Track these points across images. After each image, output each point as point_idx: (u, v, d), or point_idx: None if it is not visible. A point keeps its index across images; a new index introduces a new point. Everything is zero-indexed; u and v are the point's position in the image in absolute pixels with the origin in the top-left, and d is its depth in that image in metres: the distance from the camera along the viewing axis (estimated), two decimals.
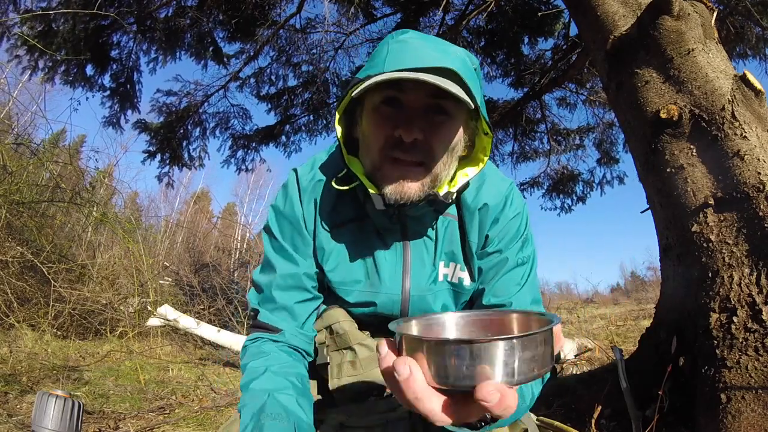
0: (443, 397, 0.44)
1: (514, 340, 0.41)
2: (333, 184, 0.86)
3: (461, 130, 0.81)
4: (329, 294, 0.96)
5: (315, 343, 0.94)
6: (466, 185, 0.86)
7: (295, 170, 0.96)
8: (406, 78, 0.69)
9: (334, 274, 0.92)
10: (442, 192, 0.82)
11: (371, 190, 0.80)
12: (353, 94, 0.73)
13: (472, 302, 0.97)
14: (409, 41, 0.78)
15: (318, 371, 0.94)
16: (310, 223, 0.92)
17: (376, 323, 0.95)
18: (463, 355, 0.41)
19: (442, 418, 0.44)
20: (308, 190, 0.92)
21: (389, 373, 0.44)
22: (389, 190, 0.78)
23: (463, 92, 0.71)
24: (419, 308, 0.92)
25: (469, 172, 0.85)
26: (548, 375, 0.86)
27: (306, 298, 0.93)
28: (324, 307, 0.97)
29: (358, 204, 0.90)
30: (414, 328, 0.59)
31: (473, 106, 0.72)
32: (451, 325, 0.62)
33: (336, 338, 0.91)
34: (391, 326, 0.52)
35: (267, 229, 0.97)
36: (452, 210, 0.93)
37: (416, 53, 0.75)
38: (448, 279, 0.93)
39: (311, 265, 0.93)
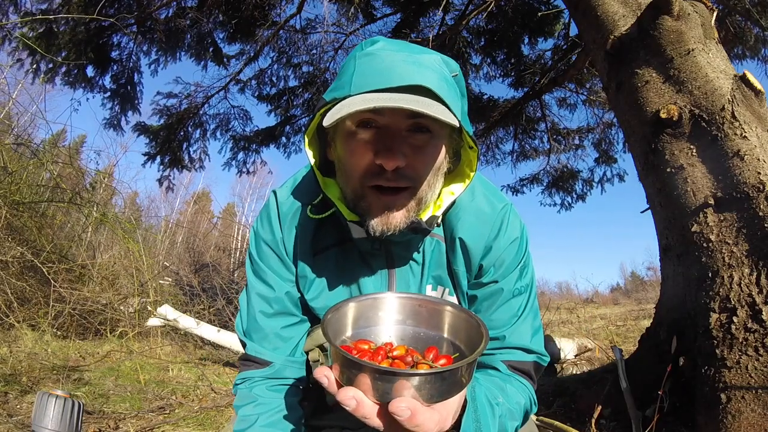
0: (385, 414, 0.52)
1: (431, 376, 0.51)
2: (308, 213, 0.83)
3: (444, 147, 0.76)
4: (314, 318, 0.94)
5: (309, 360, 0.93)
6: (452, 204, 0.82)
7: (275, 193, 0.91)
8: (379, 107, 0.64)
9: (317, 301, 0.89)
10: (425, 216, 0.78)
11: (350, 218, 0.76)
12: (325, 124, 0.66)
13: None
14: (378, 54, 0.70)
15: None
16: (290, 250, 0.89)
17: None
18: (388, 381, 0.51)
19: (388, 429, 0.54)
20: (288, 217, 0.88)
21: (339, 400, 0.53)
22: (375, 222, 0.73)
23: (444, 108, 0.65)
24: None
25: (455, 190, 0.81)
26: (532, 409, 0.86)
27: (292, 322, 0.91)
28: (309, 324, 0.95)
29: (340, 228, 0.84)
30: (350, 313, 0.67)
31: (457, 125, 0.66)
32: (390, 309, 0.69)
33: (329, 356, 0.90)
34: (329, 317, 0.62)
35: (249, 254, 0.94)
36: (439, 230, 0.88)
37: (386, 70, 0.67)
38: None
39: (294, 289, 0.91)
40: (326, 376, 0.55)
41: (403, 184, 0.72)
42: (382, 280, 0.88)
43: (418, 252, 0.88)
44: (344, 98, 0.68)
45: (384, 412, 0.52)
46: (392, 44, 0.74)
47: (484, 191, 0.89)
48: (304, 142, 0.77)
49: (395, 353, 0.61)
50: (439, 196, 0.80)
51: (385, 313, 0.69)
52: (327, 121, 0.66)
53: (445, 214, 0.84)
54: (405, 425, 0.51)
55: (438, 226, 0.85)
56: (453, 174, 0.82)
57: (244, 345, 0.91)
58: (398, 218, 0.73)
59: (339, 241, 0.88)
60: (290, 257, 0.90)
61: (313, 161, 0.78)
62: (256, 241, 0.92)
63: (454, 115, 0.67)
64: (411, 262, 0.88)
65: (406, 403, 0.50)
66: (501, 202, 0.89)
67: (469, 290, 0.89)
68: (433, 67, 0.70)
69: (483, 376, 0.81)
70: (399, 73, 0.67)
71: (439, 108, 0.65)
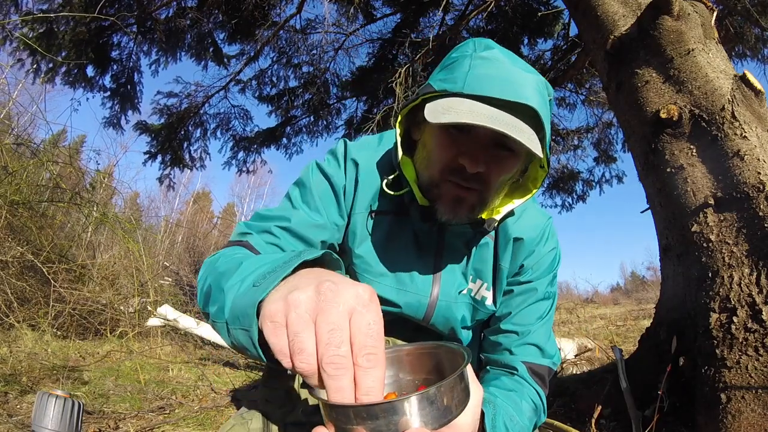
0: None
1: (424, 395, 0.48)
2: (384, 187, 0.85)
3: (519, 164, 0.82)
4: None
5: None
6: (510, 214, 0.86)
7: (345, 142, 0.92)
8: (490, 127, 0.66)
9: (361, 260, 0.90)
10: (486, 217, 0.83)
11: (422, 203, 0.81)
12: (430, 119, 0.68)
13: (487, 323, 0.98)
14: (494, 61, 0.75)
15: None
16: (348, 199, 0.89)
17: (390, 320, 0.94)
18: (381, 414, 0.47)
19: None
20: (352, 167, 0.89)
21: None
22: (443, 209, 0.79)
23: (536, 136, 0.70)
24: (443, 316, 0.92)
25: (515, 201, 0.85)
26: (541, 419, 0.88)
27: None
28: None
29: (399, 200, 0.88)
30: None
31: (542, 156, 0.71)
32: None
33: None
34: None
35: (300, 181, 0.89)
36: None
37: (500, 80, 0.72)
38: (472, 294, 0.93)
39: (335, 235, 0.88)
40: None
41: (476, 186, 0.78)
42: (430, 256, 0.91)
43: (469, 244, 0.92)
44: (455, 94, 0.73)
45: None
46: (506, 54, 0.79)
47: (534, 204, 0.98)
48: (397, 119, 0.81)
49: None
50: (499, 203, 0.86)
51: None
52: (433, 118, 0.68)
53: (501, 221, 0.89)
54: None
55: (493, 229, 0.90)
56: (516, 185, 0.88)
57: (242, 236, 0.80)
58: (465, 212, 0.80)
59: (395, 211, 0.90)
60: (347, 206, 0.89)
61: (399, 139, 0.82)
62: (318, 171, 0.89)
63: (543, 139, 0.73)
64: (459, 252, 0.92)
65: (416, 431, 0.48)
66: (546, 215, 0.98)
67: (506, 286, 0.94)
68: (539, 89, 0.75)
69: (503, 394, 0.82)
70: (513, 88, 0.71)
71: (533, 135, 0.70)
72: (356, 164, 0.89)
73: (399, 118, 0.81)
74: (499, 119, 0.67)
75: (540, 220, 0.94)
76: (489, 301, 0.93)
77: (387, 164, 0.90)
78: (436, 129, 0.78)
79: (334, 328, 0.40)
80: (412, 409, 0.48)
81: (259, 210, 0.87)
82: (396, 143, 0.82)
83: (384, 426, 0.48)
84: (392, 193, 0.84)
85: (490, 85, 0.71)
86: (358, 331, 0.41)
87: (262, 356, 0.51)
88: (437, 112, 0.69)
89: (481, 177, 0.76)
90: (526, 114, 0.71)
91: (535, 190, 0.84)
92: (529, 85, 0.73)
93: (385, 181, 0.86)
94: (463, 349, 0.61)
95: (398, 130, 0.81)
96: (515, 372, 0.89)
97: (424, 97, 0.76)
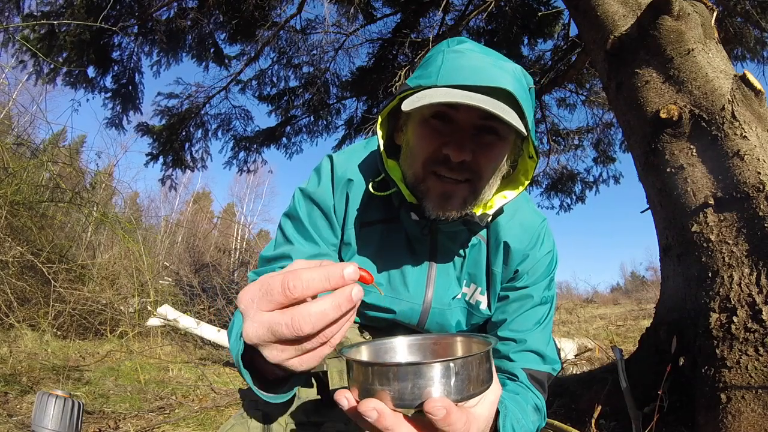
0: (409, 423, 0.50)
1: (452, 363, 0.49)
2: (370, 188, 0.83)
3: (507, 151, 0.79)
4: None
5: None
6: (500, 211, 0.85)
7: (331, 158, 0.91)
8: (463, 103, 0.66)
9: None
10: (478, 213, 0.80)
11: (410, 200, 0.79)
12: (405, 108, 0.69)
13: (484, 328, 0.97)
14: (466, 53, 0.75)
15: (317, 374, 0.93)
16: (339, 216, 0.89)
17: (385, 326, 0.94)
18: (409, 377, 0.48)
19: None
20: (342, 183, 0.88)
21: (358, 416, 0.50)
22: (432, 205, 0.76)
23: (518, 117, 0.68)
24: (437, 322, 0.91)
25: (507, 195, 0.83)
26: (542, 424, 0.87)
27: None
28: None
29: (389, 206, 0.87)
30: (364, 353, 0.65)
31: (526, 133, 0.69)
32: (402, 350, 0.67)
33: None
34: (344, 351, 0.60)
35: (290, 213, 0.91)
36: (483, 232, 0.91)
37: (473, 69, 0.71)
38: (466, 298, 0.92)
39: (335, 255, 0.89)
40: (346, 398, 0.54)
41: (464, 176, 0.75)
42: (423, 262, 0.89)
43: (462, 246, 0.90)
44: (429, 87, 0.72)
45: (408, 420, 0.51)
46: (479, 47, 0.79)
47: (527, 204, 0.94)
48: (378, 121, 0.79)
49: None
50: (491, 197, 0.84)
51: (401, 354, 0.69)
52: (408, 106, 0.68)
53: (493, 217, 0.87)
54: (439, 425, 0.49)
55: (485, 227, 0.88)
56: (507, 180, 0.85)
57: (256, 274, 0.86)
58: (456, 206, 0.76)
59: (385, 219, 0.89)
60: (338, 223, 0.89)
61: (381, 141, 0.81)
62: (304, 199, 0.90)
63: (526, 125, 0.71)
64: (452, 254, 0.90)
65: (441, 402, 0.48)
66: (541, 217, 0.95)
67: (501, 291, 0.92)
68: (515, 75, 0.74)
69: (509, 397, 0.82)
70: (486, 74, 0.71)
71: (514, 115, 0.68)
72: (348, 180, 0.88)
73: (380, 120, 0.79)
74: (476, 99, 0.66)
75: (534, 222, 0.91)
76: (484, 306, 0.92)
77: (372, 167, 0.88)
78: (416, 123, 0.76)
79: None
80: (435, 376, 0.49)
81: (261, 253, 0.91)
82: (379, 145, 0.81)
83: (407, 389, 0.48)
84: (375, 192, 0.82)
85: (464, 75, 0.70)
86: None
87: (260, 394, 0.62)
88: (413, 102, 0.68)
89: (469, 166, 0.74)
90: (504, 98, 0.69)
91: (527, 182, 0.82)
92: (505, 72, 0.72)
93: (371, 183, 0.84)
94: (490, 338, 0.62)
95: (380, 133, 0.80)
96: (516, 378, 0.89)
97: (400, 96, 0.75)
